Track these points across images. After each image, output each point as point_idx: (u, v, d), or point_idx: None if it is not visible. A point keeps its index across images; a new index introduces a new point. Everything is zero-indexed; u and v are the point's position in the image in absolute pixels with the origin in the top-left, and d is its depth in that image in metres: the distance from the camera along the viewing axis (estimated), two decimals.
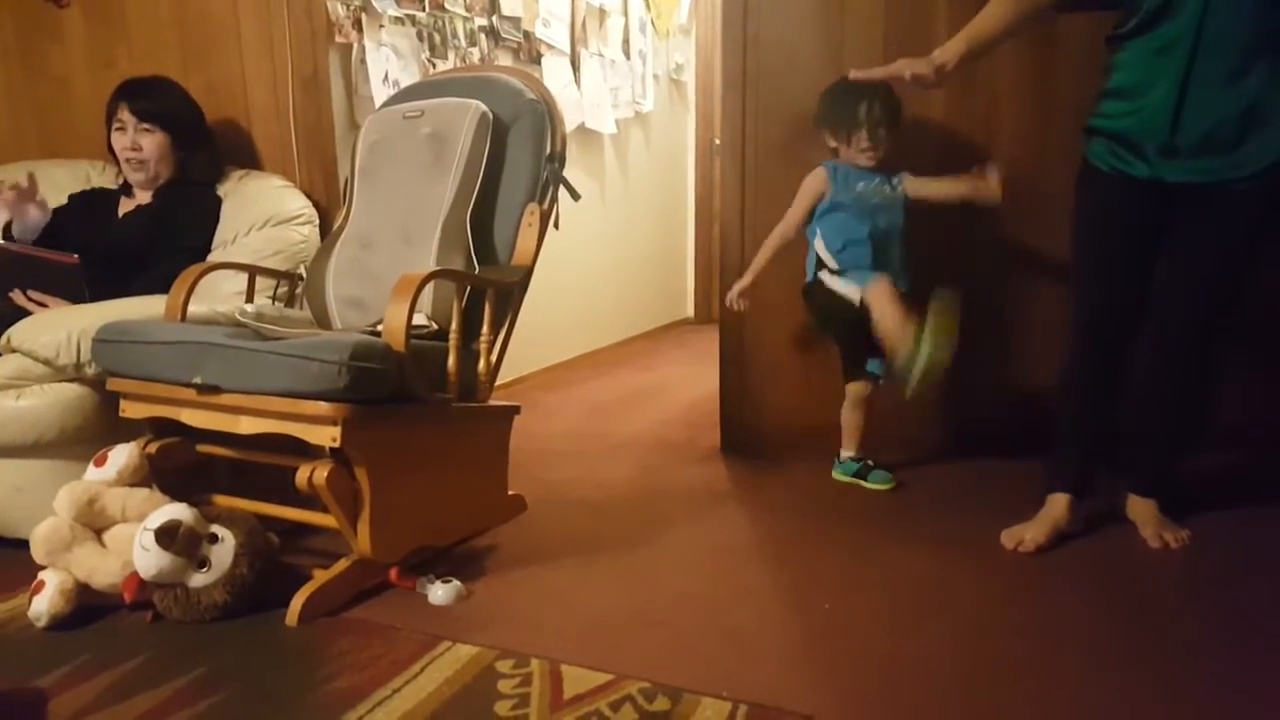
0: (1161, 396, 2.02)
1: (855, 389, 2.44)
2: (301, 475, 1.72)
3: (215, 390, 1.76)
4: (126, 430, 1.95)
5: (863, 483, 2.44)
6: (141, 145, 2.41)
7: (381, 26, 2.90)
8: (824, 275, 2.37)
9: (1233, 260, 1.87)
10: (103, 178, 2.68)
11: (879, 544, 2.09)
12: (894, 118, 2.30)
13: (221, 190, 2.53)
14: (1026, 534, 2.02)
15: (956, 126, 2.53)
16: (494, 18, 3.38)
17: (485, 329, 2.06)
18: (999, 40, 1.97)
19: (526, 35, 3.55)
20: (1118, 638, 1.65)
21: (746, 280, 2.48)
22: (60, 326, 1.98)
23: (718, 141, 4.19)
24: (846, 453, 2.50)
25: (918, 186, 2.35)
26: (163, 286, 2.11)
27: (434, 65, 3.10)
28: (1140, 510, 2.09)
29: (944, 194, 2.31)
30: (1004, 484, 2.40)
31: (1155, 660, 1.58)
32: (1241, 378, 2.33)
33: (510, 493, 2.29)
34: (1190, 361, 1.97)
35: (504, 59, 3.44)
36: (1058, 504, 2.06)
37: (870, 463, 2.47)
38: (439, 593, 1.81)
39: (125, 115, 2.42)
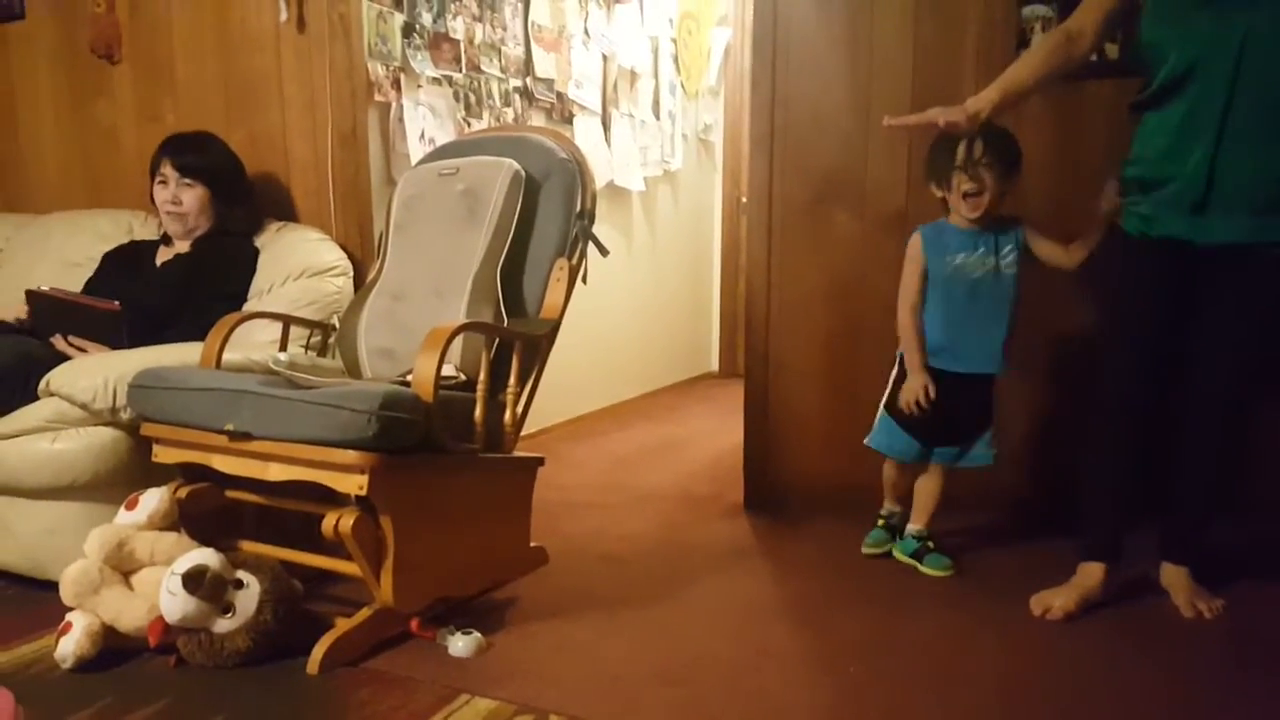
0: (1195, 464, 1.99)
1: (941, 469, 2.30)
2: (328, 523, 1.74)
3: (247, 437, 1.79)
4: (158, 475, 1.98)
5: (918, 565, 2.27)
6: (182, 200, 2.48)
7: (419, 86, 2.99)
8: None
9: (1265, 327, 1.86)
10: (145, 228, 2.76)
11: (905, 605, 2.06)
12: (1005, 159, 2.11)
13: (259, 241, 2.59)
14: (1056, 600, 1.99)
15: None
16: (528, 79, 3.48)
17: (512, 380, 2.08)
18: (1033, 90, 1.97)
19: (559, 96, 3.64)
20: (1152, 710, 1.62)
21: (917, 379, 2.19)
22: (98, 372, 2.03)
23: (744, 199, 4.25)
24: (913, 526, 2.33)
25: (1044, 248, 2.16)
26: (199, 334, 2.16)
27: (469, 124, 3.18)
28: (1173, 578, 2.05)
29: (1072, 262, 2.12)
30: (1033, 547, 2.37)
31: None
32: (1276, 443, 2.30)
33: (532, 544, 2.29)
34: (1223, 429, 1.95)
35: (537, 119, 3.53)
36: (1091, 574, 2.02)
37: (930, 544, 2.29)
38: (459, 644, 1.81)
39: (168, 170, 2.49)
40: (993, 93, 1.95)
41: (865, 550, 2.38)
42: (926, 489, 2.32)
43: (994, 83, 1.96)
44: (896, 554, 2.35)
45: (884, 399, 2.32)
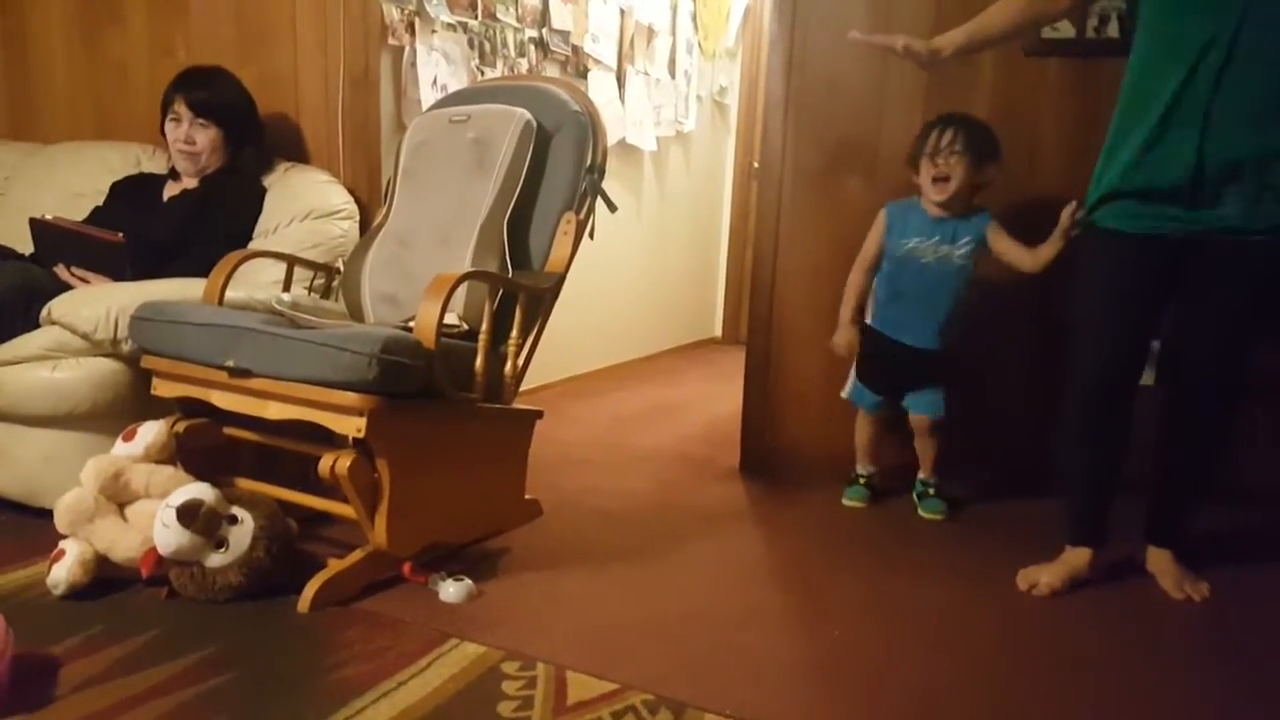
0: (1185, 452, 1.99)
1: (915, 419, 2.45)
2: (324, 464, 1.74)
3: (247, 374, 1.79)
4: (156, 408, 1.98)
5: (917, 506, 2.47)
6: (196, 139, 2.45)
7: (434, 32, 2.95)
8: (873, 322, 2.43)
9: (1251, 314, 1.85)
10: (153, 162, 2.73)
11: (893, 573, 2.07)
12: (979, 151, 2.21)
13: (267, 181, 2.57)
14: (1042, 577, 2.00)
15: None
16: (544, 30, 3.43)
17: (514, 332, 2.07)
18: (1001, 39, 2.02)
19: (575, 49, 3.59)
20: (1136, 685, 1.63)
21: (842, 334, 2.43)
22: (100, 302, 2.02)
23: (756, 164, 4.21)
24: (921, 474, 2.51)
25: (1004, 246, 2.23)
26: (203, 270, 2.15)
27: (482, 73, 3.14)
28: (1159, 562, 2.06)
29: (1036, 263, 2.14)
30: (1023, 521, 2.38)
31: (1175, 713, 1.55)
32: (1269, 437, 2.30)
33: (527, 497, 2.30)
34: (1212, 416, 1.94)
35: (551, 71, 3.49)
36: (1079, 556, 2.03)
37: (932, 490, 2.48)
38: (450, 590, 1.82)
39: (181, 108, 2.45)
40: (959, 35, 1.98)
41: (845, 501, 2.52)
42: (921, 445, 2.49)
43: (962, 26, 1.99)
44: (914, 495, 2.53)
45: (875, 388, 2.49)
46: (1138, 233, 1.85)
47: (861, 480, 2.56)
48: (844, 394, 2.53)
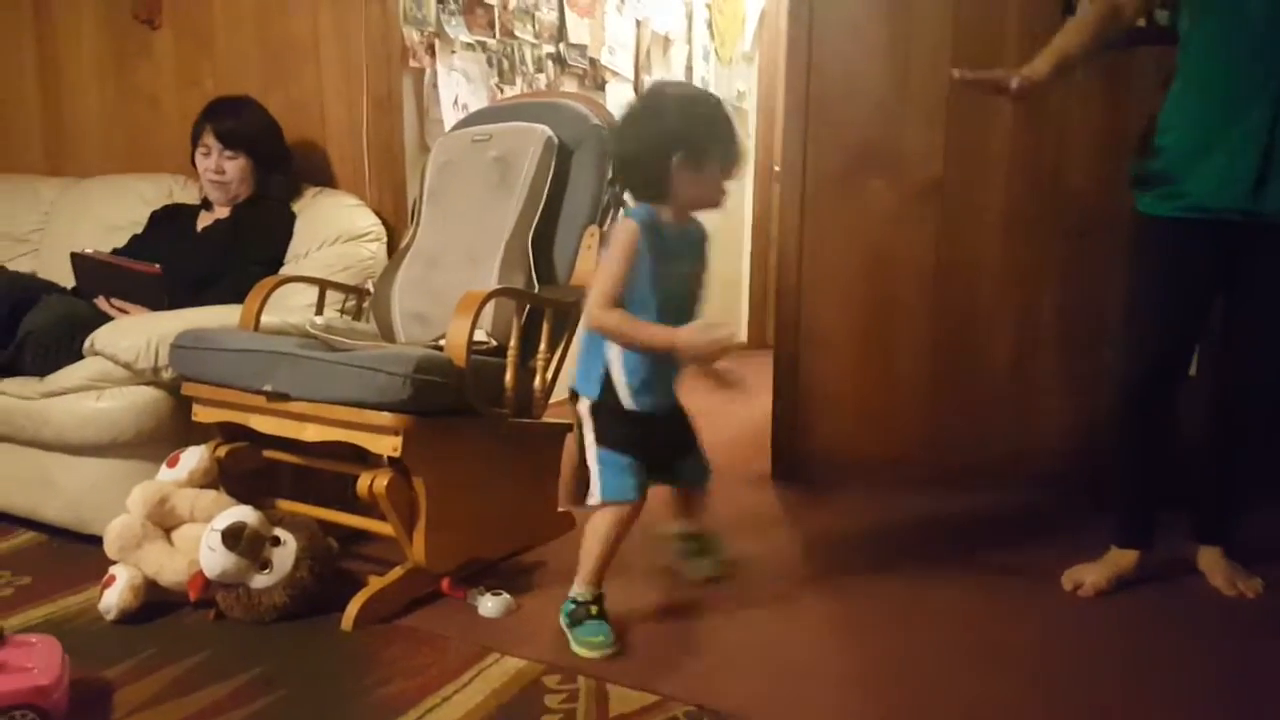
0: (1233, 450, 1.97)
1: (694, 492, 2.00)
2: (362, 483, 1.77)
3: (284, 398, 1.82)
4: (198, 434, 2.02)
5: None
6: (225, 170, 2.51)
7: (453, 52, 2.98)
8: (620, 395, 1.72)
9: None
10: (185, 192, 2.79)
11: (933, 577, 2.06)
12: None
13: (296, 207, 2.62)
14: (1088, 577, 1.98)
15: (1024, 159, 2.50)
16: (561, 45, 3.46)
17: (543, 347, 2.09)
18: (1081, 60, 1.93)
19: (592, 62, 3.62)
20: (1191, 685, 1.61)
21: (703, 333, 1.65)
22: (140, 332, 2.07)
23: (777, 168, 4.21)
24: (690, 529, 2.01)
25: None
26: (237, 297, 2.19)
27: (502, 90, 3.18)
28: (1210, 560, 2.03)
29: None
30: (1064, 520, 2.36)
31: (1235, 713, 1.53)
32: None
33: (559, 509, 2.32)
34: (1261, 409, 1.91)
35: (569, 85, 3.51)
36: (1125, 557, 2.00)
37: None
38: (489, 605, 1.84)
39: (210, 140, 2.51)
40: (1044, 65, 1.91)
41: (581, 650, 1.68)
42: (694, 509, 2.02)
43: (1043, 54, 1.91)
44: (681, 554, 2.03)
45: (592, 439, 1.76)
46: (1193, 220, 1.81)
47: (596, 609, 1.72)
48: (597, 499, 1.75)
